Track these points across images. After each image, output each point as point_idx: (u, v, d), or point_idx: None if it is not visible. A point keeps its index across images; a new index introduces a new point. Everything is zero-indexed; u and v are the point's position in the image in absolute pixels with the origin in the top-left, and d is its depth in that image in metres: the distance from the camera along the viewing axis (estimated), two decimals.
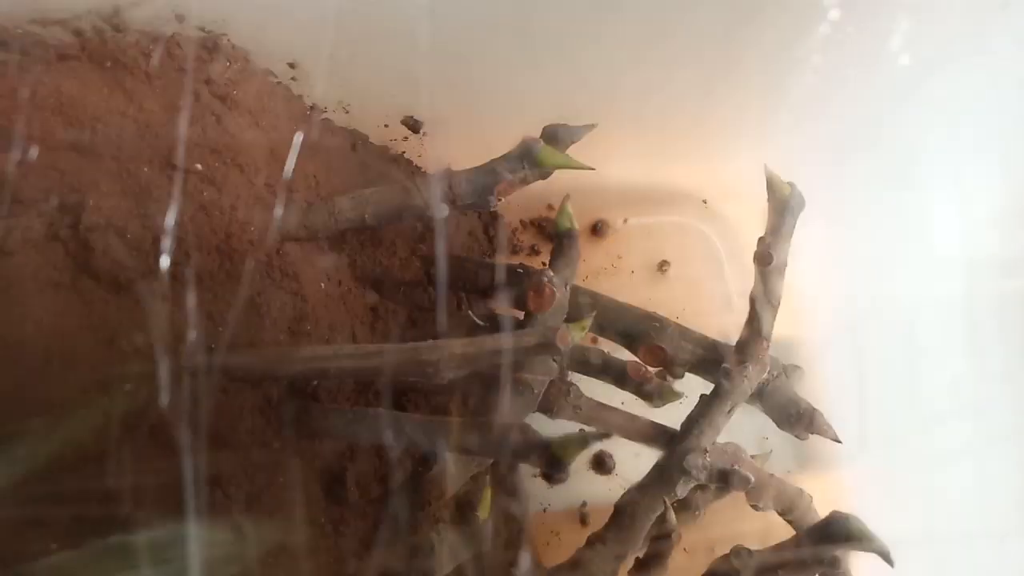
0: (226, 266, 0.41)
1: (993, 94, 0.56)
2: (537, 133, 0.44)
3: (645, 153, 0.62)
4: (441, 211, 0.42)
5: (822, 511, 0.48)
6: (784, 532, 0.49)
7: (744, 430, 0.54)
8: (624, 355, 0.51)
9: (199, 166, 0.39)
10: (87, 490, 0.37)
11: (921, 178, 0.58)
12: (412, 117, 0.53)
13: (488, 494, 0.45)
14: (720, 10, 0.49)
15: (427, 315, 0.52)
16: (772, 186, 0.46)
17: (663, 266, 0.66)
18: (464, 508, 0.45)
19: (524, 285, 0.47)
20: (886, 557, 0.42)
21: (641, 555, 0.47)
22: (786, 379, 0.50)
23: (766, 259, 0.46)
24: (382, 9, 0.45)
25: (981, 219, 0.59)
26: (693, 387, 0.50)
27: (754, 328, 0.47)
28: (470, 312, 0.51)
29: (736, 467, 0.45)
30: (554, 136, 0.44)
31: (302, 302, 0.43)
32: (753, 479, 0.45)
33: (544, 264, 0.54)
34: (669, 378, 0.52)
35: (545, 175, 0.44)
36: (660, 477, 0.46)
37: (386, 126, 0.53)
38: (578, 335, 0.39)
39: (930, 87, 0.54)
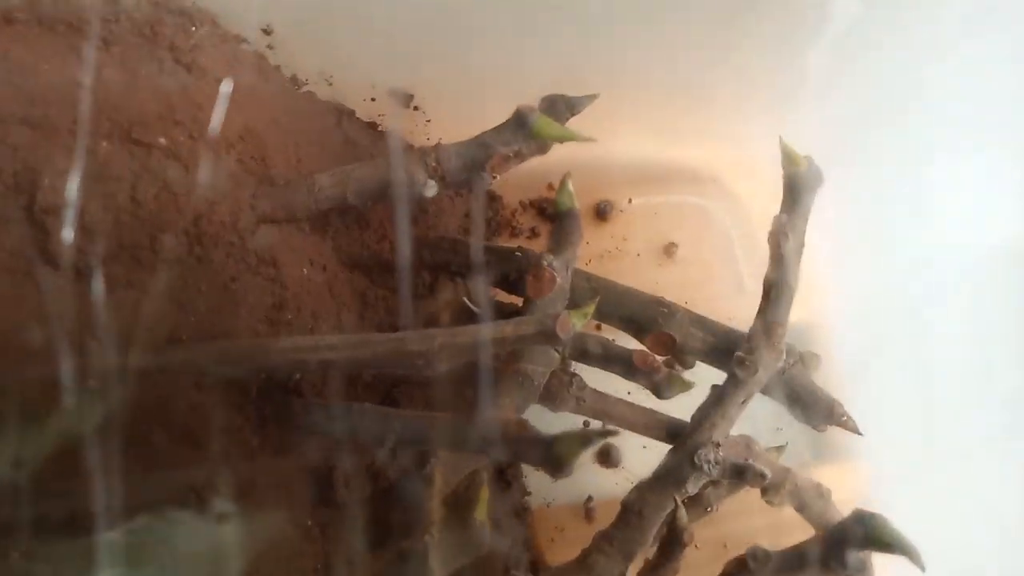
0: (196, 250, 0.38)
1: (1016, 73, 0.54)
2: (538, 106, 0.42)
3: (652, 129, 0.60)
4: (429, 188, 0.40)
5: (840, 505, 0.47)
6: (800, 524, 0.48)
7: (757, 421, 0.53)
8: (630, 343, 0.49)
9: (163, 140, 0.37)
10: (51, 491, 0.35)
11: (940, 160, 0.57)
12: (402, 90, 0.51)
13: (485, 494, 0.43)
14: None
15: (418, 302, 0.50)
16: (788, 159, 0.44)
17: (671, 248, 0.64)
18: (459, 509, 0.43)
19: (522, 269, 0.46)
20: (916, 560, 0.40)
21: (650, 555, 0.46)
22: (803, 367, 0.49)
23: (781, 239, 0.44)
24: None
25: (1002, 204, 0.58)
26: (704, 377, 0.48)
27: (768, 313, 0.45)
28: (465, 299, 0.50)
29: (750, 461, 0.43)
30: (552, 106, 0.42)
31: (281, 289, 0.41)
32: (769, 474, 0.44)
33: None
34: (678, 367, 0.51)
35: (543, 148, 0.41)
36: (670, 473, 0.44)
37: (373, 100, 0.51)
38: (580, 322, 0.37)
39: (951, 64, 0.53)
